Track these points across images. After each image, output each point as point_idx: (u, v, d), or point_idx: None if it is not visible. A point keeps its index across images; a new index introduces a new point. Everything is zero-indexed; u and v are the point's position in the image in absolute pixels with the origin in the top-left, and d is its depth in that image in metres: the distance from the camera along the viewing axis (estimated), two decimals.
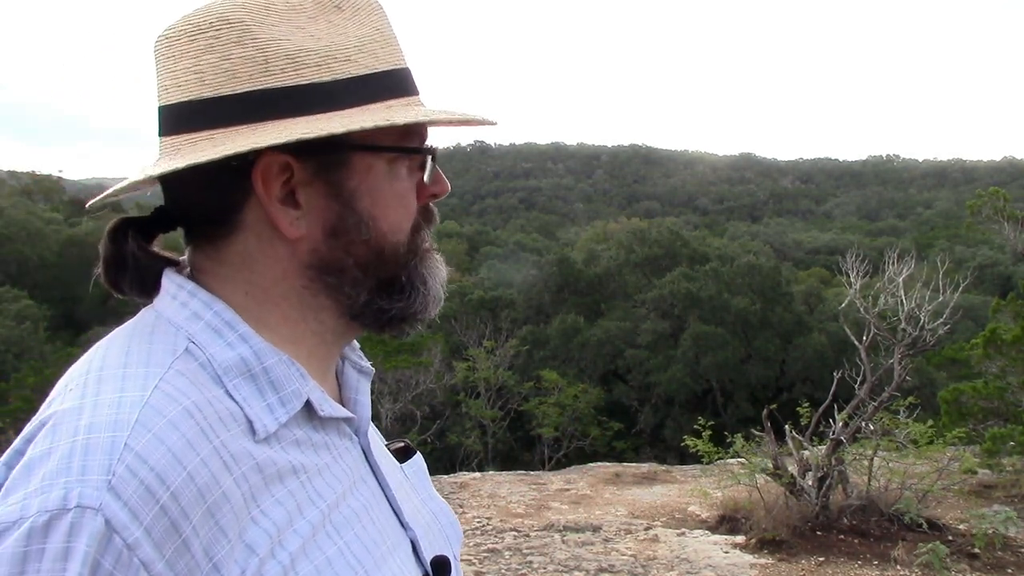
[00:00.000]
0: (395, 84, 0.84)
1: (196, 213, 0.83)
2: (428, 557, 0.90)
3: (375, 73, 0.82)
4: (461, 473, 10.27)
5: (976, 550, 6.11)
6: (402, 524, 0.89)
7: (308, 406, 0.82)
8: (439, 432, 21.52)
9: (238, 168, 0.78)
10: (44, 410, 0.74)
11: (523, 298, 32.30)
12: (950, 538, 6.45)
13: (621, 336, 29.01)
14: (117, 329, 0.82)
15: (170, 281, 0.82)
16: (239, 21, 0.79)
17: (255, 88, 0.78)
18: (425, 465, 1.05)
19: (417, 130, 0.85)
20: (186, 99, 0.80)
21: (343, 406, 0.90)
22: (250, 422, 0.76)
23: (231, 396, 0.77)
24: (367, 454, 0.89)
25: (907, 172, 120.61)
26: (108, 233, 0.84)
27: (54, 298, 34.95)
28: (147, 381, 0.72)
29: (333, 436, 0.85)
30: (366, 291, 0.84)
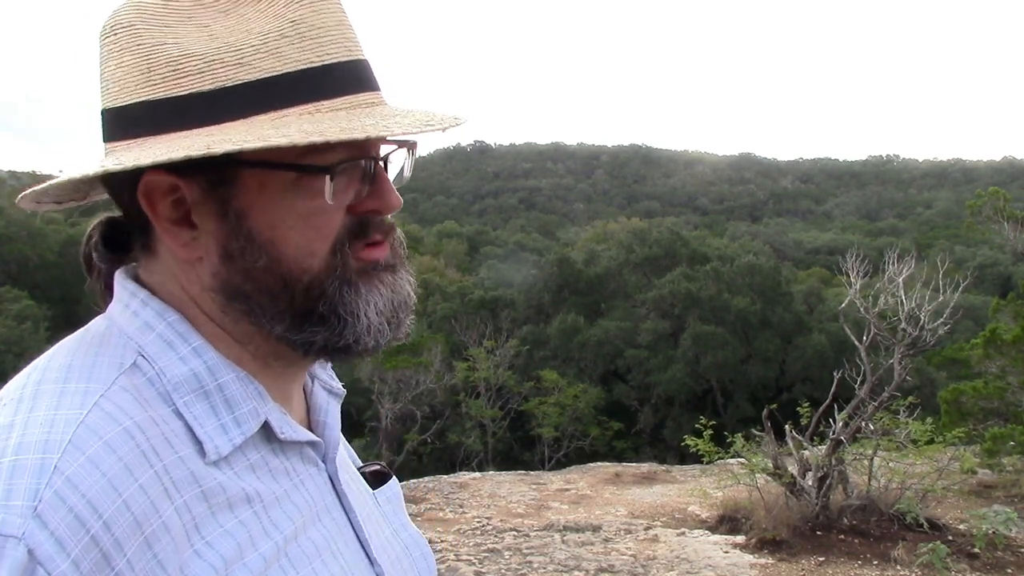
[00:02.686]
0: (303, 87, 0.72)
1: (129, 221, 0.78)
2: None
3: (272, 77, 0.72)
4: (461, 473, 10.28)
5: (976, 550, 6.11)
6: (369, 559, 0.83)
7: (267, 428, 0.76)
8: (439, 432, 21.55)
9: (130, 186, 0.73)
10: None
11: (523, 298, 32.30)
12: (950, 538, 6.45)
13: (621, 336, 29.03)
14: (66, 338, 0.76)
15: (122, 287, 0.77)
16: (130, 25, 0.73)
17: (137, 100, 0.72)
18: (400, 491, 0.98)
19: (343, 143, 0.71)
20: (102, 107, 0.76)
21: (311, 430, 0.84)
22: (200, 443, 0.70)
23: (180, 415, 0.71)
24: (334, 481, 0.83)
25: (907, 172, 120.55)
26: (86, 235, 0.81)
27: (54, 298, 35.02)
28: (86, 398, 0.66)
29: (295, 461, 0.78)
30: (281, 322, 0.74)
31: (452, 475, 9.66)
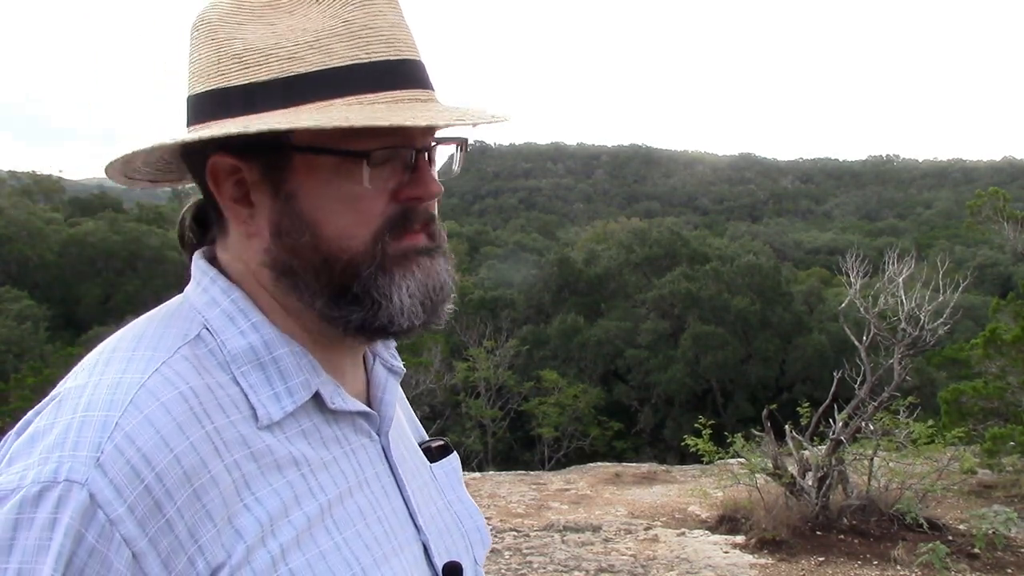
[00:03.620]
0: (349, 80, 0.78)
1: (208, 204, 0.87)
2: (441, 562, 0.89)
3: (320, 70, 0.78)
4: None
5: (976, 550, 6.11)
6: (416, 527, 0.88)
7: (319, 398, 0.82)
8: (439, 432, 21.49)
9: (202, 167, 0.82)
10: (60, 386, 0.77)
11: (523, 298, 32.30)
12: (950, 538, 6.45)
13: (621, 336, 29.03)
14: (149, 312, 0.85)
15: (196, 266, 0.85)
16: (208, 21, 0.82)
17: (208, 88, 0.81)
18: (459, 465, 1.03)
19: (385, 130, 0.78)
20: (186, 95, 0.84)
21: (368, 404, 0.89)
22: (254, 409, 0.77)
23: (237, 383, 0.78)
24: (387, 452, 0.88)
25: (907, 172, 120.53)
26: (180, 217, 0.90)
27: (54, 298, 34.96)
28: (149, 364, 0.75)
29: (348, 431, 0.84)
30: (320, 298, 0.81)
31: None
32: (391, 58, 0.80)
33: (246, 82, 0.79)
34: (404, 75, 0.81)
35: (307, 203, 0.79)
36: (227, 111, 0.79)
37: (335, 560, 0.76)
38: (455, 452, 1.03)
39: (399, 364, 0.97)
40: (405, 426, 0.99)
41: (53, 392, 0.76)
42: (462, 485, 1.02)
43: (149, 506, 0.68)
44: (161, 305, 0.85)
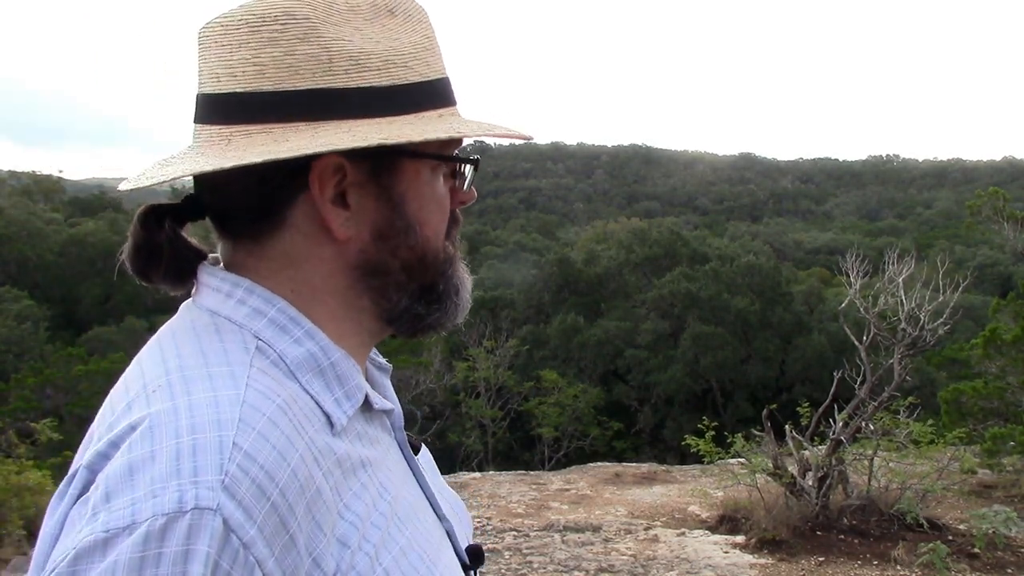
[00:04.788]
0: (443, 93, 0.85)
1: (239, 206, 0.81)
2: (463, 545, 0.92)
3: (428, 81, 0.83)
4: (461, 473, 10.27)
5: (976, 550, 6.11)
6: (438, 515, 0.90)
7: (365, 400, 0.83)
8: (439, 432, 21.51)
9: (294, 166, 0.77)
10: (124, 414, 0.71)
11: (523, 298, 32.29)
12: (950, 538, 6.45)
13: (621, 336, 29.01)
14: (169, 329, 0.80)
15: (214, 277, 0.81)
16: (305, 18, 0.78)
17: (317, 87, 0.77)
18: (432, 458, 1.05)
19: (454, 139, 0.84)
20: (242, 89, 0.78)
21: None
22: (327, 416, 0.77)
23: (306, 391, 0.77)
24: (403, 448, 0.91)
25: (907, 172, 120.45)
26: (139, 218, 0.82)
27: (54, 298, 34.97)
28: (237, 380, 0.72)
29: (379, 431, 0.86)
30: (407, 296, 0.85)
31: (452, 475, 9.66)
32: (447, 75, 0.87)
33: (367, 85, 0.78)
34: (452, 91, 0.88)
35: (413, 205, 0.83)
36: (340, 112, 0.78)
37: (412, 555, 0.78)
38: (425, 446, 1.04)
39: (385, 361, 0.98)
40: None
41: (123, 422, 0.70)
42: (439, 475, 1.05)
43: (275, 524, 0.66)
44: (182, 321, 0.80)
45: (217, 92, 0.79)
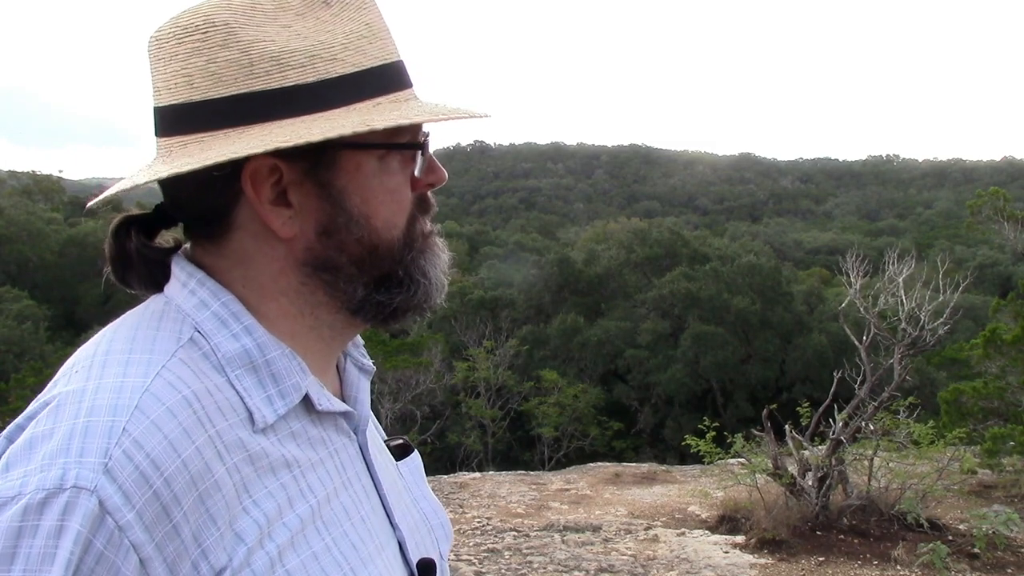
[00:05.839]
0: (384, 80, 0.83)
1: (192, 212, 0.84)
2: (415, 558, 0.91)
3: (362, 71, 0.81)
4: (461, 473, 10.28)
5: (976, 550, 6.11)
6: (391, 524, 0.89)
7: (307, 400, 0.83)
8: (439, 432, 21.50)
9: (229, 171, 0.78)
10: (49, 390, 0.75)
11: (523, 298, 32.28)
12: (950, 538, 6.45)
13: (621, 336, 29.00)
14: (127, 313, 0.83)
15: (180, 268, 0.83)
16: (224, 23, 0.78)
17: (240, 92, 0.78)
18: (422, 464, 1.05)
19: (402, 127, 0.83)
20: (176, 102, 0.80)
21: (343, 403, 0.90)
22: (250, 413, 0.78)
23: (232, 386, 0.78)
24: (363, 451, 0.90)
25: (907, 172, 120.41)
26: (111, 232, 0.85)
27: (54, 298, 34.96)
28: (149, 368, 0.74)
29: (330, 432, 0.85)
30: (362, 287, 0.84)
31: (452, 475, 9.66)
32: (397, 59, 0.86)
33: (289, 84, 0.78)
34: (405, 74, 0.87)
35: (356, 199, 0.82)
36: (265, 115, 0.78)
37: (327, 560, 0.78)
38: (416, 451, 1.05)
39: (369, 363, 0.98)
40: (373, 426, 1.00)
41: (44, 397, 0.74)
42: (426, 483, 1.04)
43: (157, 511, 0.68)
44: (138, 307, 0.84)
45: (159, 105, 0.82)
